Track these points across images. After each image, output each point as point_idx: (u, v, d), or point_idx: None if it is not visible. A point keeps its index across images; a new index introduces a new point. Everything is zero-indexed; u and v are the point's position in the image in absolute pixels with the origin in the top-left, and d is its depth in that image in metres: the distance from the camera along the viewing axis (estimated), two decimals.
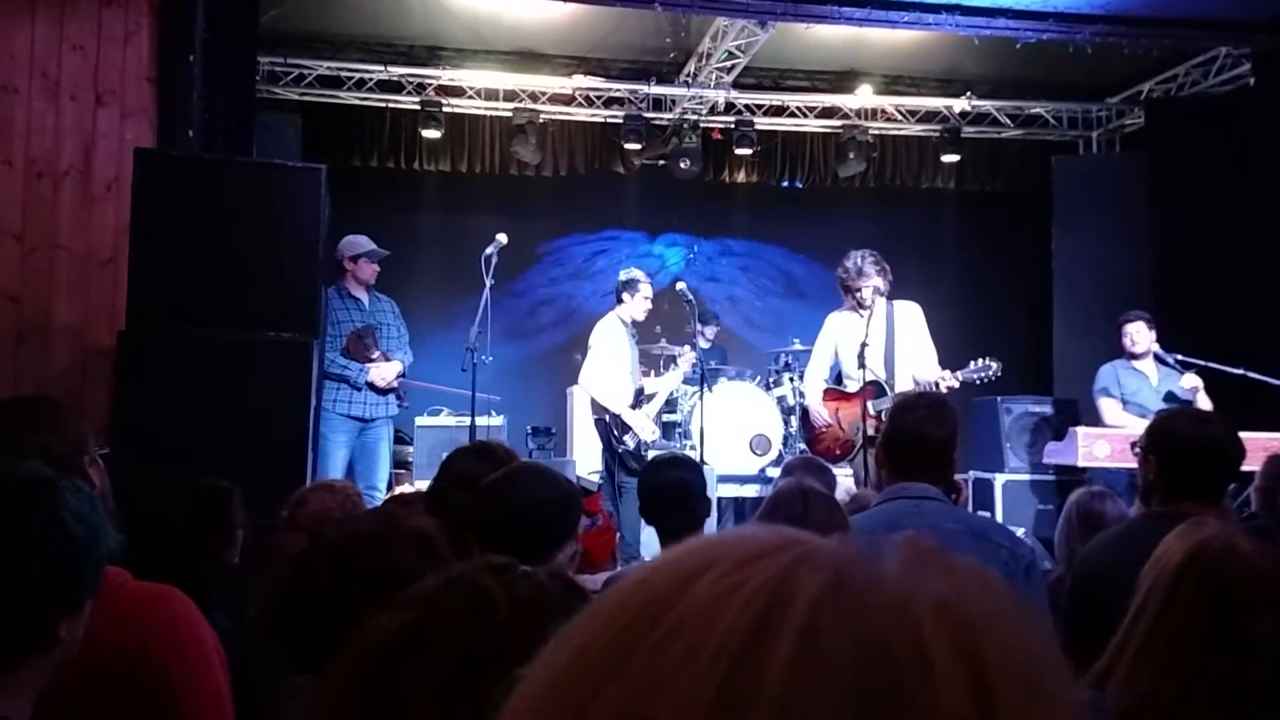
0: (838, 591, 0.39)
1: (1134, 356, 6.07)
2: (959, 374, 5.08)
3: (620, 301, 6.18)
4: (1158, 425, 2.69)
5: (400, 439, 7.43)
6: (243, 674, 2.18)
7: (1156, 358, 6.05)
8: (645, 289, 6.16)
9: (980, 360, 5.06)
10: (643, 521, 3.44)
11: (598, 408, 6.13)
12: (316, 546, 1.48)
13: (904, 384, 5.19)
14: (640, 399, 6.29)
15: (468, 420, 5.83)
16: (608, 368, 6.05)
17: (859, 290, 5.32)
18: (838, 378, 5.66)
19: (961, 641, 0.39)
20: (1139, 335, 6.03)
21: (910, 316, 5.41)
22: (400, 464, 7.39)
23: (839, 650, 0.38)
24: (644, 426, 6.09)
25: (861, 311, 5.35)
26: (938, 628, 0.39)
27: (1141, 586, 1.66)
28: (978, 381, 5.05)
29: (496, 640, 0.87)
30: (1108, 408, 6.08)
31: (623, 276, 6.28)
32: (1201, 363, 5.89)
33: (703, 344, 7.97)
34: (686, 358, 6.48)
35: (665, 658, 0.39)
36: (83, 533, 1.37)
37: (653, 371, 7.43)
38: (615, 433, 6.03)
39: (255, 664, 2.13)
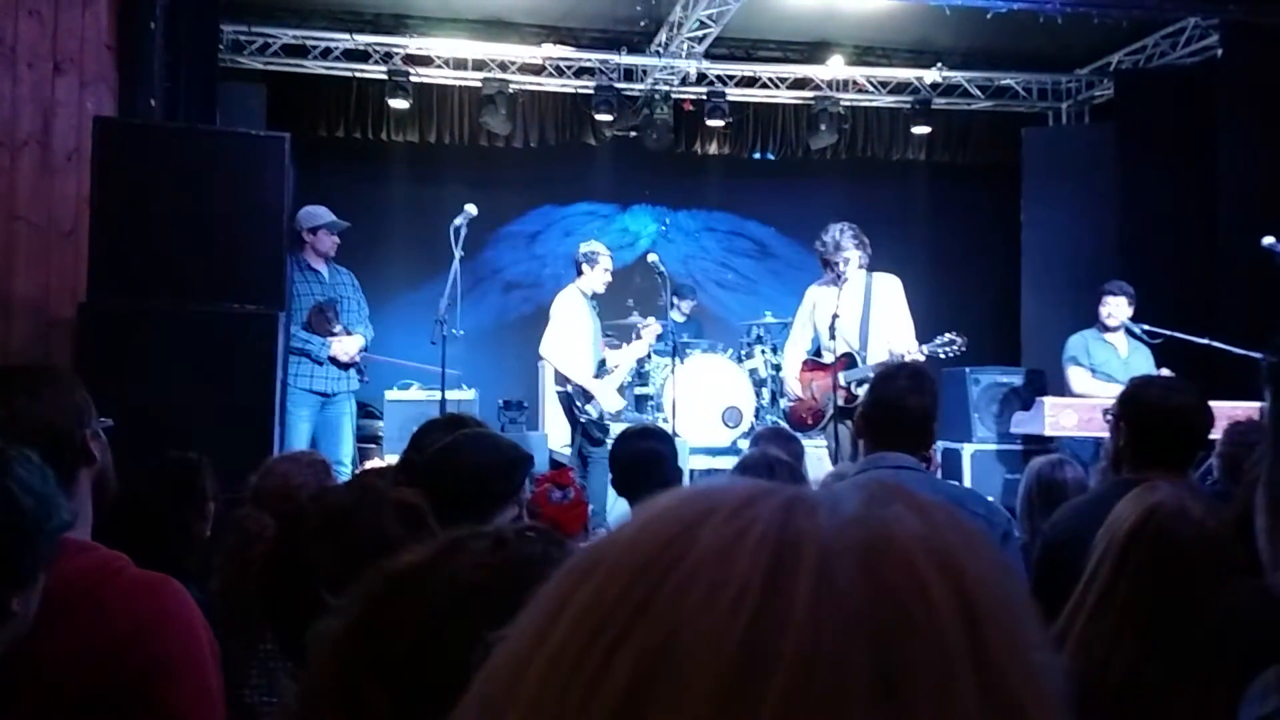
0: (835, 533, 0.41)
1: (1107, 328, 6.11)
2: (924, 347, 5.11)
3: (580, 273, 6.16)
4: (1129, 392, 2.71)
5: (370, 414, 7.39)
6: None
7: (1125, 329, 6.10)
8: (605, 261, 6.16)
9: (946, 335, 5.08)
10: (613, 492, 3.44)
11: (560, 378, 6.13)
12: (298, 521, 1.46)
13: (877, 356, 5.20)
14: (602, 371, 6.30)
15: (438, 394, 5.79)
16: (569, 338, 6.04)
17: (838, 263, 5.33)
18: (818, 349, 5.68)
19: (948, 574, 0.41)
20: (1118, 310, 6.06)
21: (888, 289, 5.42)
22: (371, 438, 7.36)
23: (851, 590, 0.40)
24: (608, 396, 6.08)
25: (839, 284, 5.36)
26: (927, 563, 0.41)
27: (1095, 551, 1.69)
28: (942, 355, 5.07)
29: (505, 580, 0.86)
30: (1076, 376, 6.14)
31: (582, 249, 6.26)
32: (1168, 333, 5.94)
33: (678, 317, 7.98)
34: (650, 329, 6.47)
35: (688, 600, 0.40)
36: (32, 504, 1.34)
37: (623, 344, 7.42)
38: (578, 403, 6.03)
39: (218, 636, 2.10)
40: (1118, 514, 1.71)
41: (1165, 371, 5.52)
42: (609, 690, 0.39)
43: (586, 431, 6.03)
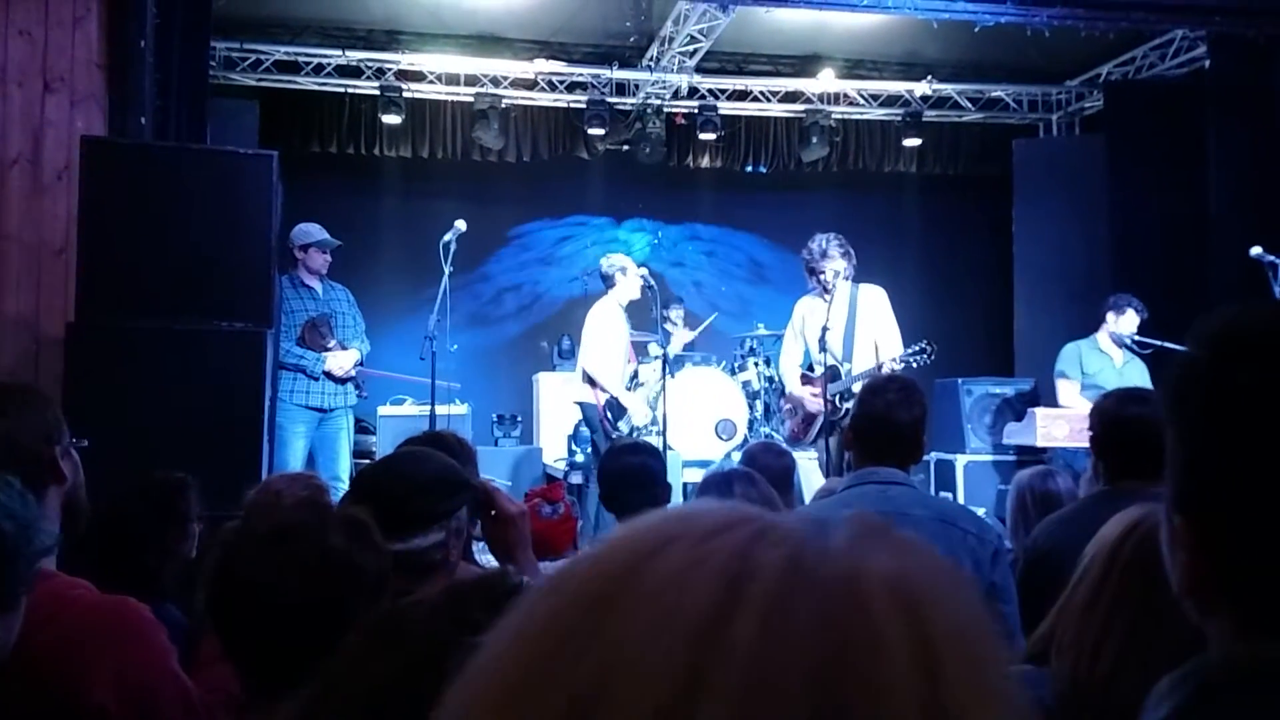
0: (797, 567, 0.41)
1: (1119, 344, 6.09)
2: (897, 357, 5.10)
3: (613, 285, 6.15)
4: (1093, 407, 2.73)
5: (363, 428, 7.39)
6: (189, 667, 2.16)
7: (1116, 339, 6.11)
8: (634, 269, 6.17)
9: (917, 345, 5.06)
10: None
11: (589, 391, 6.09)
12: (244, 536, 1.46)
13: (863, 366, 5.21)
14: (634, 384, 6.30)
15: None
16: (607, 350, 6.03)
17: (822, 272, 5.33)
18: (810, 364, 5.67)
19: (910, 620, 0.40)
20: (1126, 325, 6.04)
21: (873, 300, 5.41)
22: (364, 454, 7.35)
23: (801, 626, 0.39)
24: (639, 410, 6.07)
25: (825, 296, 5.36)
26: (888, 606, 0.40)
27: (1084, 558, 1.71)
28: (914, 365, 5.03)
29: None
30: (1064, 390, 6.13)
31: (605, 265, 6.25)
32: (1158, 343, 5.95)
33: (669, 329, 7.99)
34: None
35: (635, 628, 0.40)
36: (12, 529, 1.35)
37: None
38: (610, 415, 5.99)
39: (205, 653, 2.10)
40: (1108, 526, 1.74)
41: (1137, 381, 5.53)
42: (551, 714, 0.39)
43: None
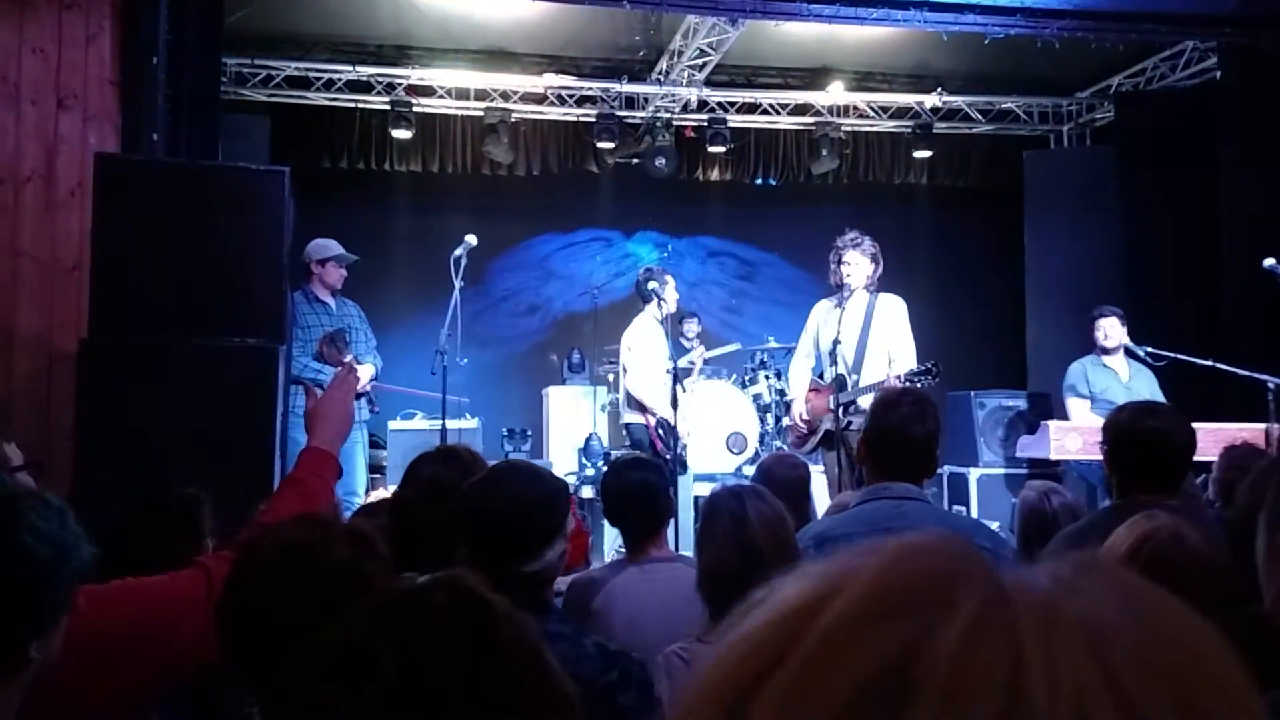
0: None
1: (1105, 351, 6.07)
2: (901, 376, 5.06)
3: (650, 300, 6.10)
4: (1106, 420, 2.71)
5: (374, 443, 7.39)
6: (204, 687, 2.15)
7: (1127, 351, 6.06)
8: (670, 280, 6.14)
9: (922, 365, 5.01)
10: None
11: (636, 411, 6.03)
12: (253, 554, 1.46)
13: (872, 377, 5.17)
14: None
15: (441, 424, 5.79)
16: (651, 370, 5.97)
17: (844, 261, 5.29)
18: (822, 372, 5.65)
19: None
20: (1112, 330, 6.02)
21: (891, 310, 5.35)
22: (375, 468, 7.35)
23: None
24: (683, 427, 6.03)
25: (841, 299, 5.32)
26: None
27: None
28: (918, 385, 4.99)
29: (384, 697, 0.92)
30: (1075, 408, 6.07)
31: (644, 276, 6.20)
32: (1172, 355, 5.91)
33: (685, 344, 7.98)
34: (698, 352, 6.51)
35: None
36: (47, 552, 1.34)
37: None
38: (662, 434, 5.92)
39: (213, 675, 2.09)
40: (1114, 540, 1.71)
41: (1150, 395, 5.47)
42: None
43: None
